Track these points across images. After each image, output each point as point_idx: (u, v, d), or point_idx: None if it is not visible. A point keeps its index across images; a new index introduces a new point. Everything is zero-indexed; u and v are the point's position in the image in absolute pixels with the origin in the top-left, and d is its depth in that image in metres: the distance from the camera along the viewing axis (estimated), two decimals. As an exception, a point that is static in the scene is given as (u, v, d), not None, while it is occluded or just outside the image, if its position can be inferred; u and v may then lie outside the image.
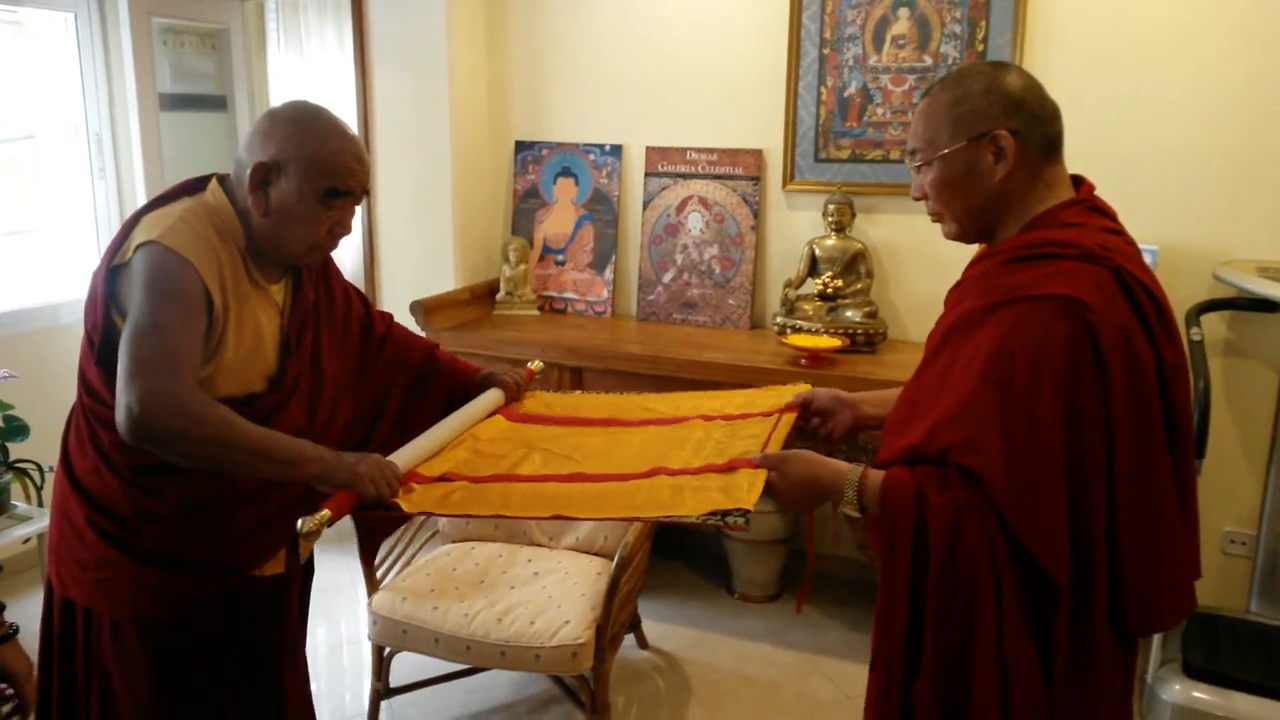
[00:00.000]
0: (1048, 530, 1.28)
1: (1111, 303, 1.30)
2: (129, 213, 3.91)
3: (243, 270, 1.63)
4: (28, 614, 3.10)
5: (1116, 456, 1.29)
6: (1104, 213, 1.44)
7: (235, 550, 1.68)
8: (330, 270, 1.86)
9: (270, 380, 1.66)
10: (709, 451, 1.64)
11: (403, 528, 2.79)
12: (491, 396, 1.93)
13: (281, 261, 1.69)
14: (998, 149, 1.39)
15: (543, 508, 1.50)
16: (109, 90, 3.87)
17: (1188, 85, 2.96)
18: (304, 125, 1.61)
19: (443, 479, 1.60)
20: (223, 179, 1.66)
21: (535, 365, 2.16)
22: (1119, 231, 1.42)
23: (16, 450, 3.02)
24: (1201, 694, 2.51)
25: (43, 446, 3.16)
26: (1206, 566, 3.17)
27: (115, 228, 3.92)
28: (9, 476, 2.98)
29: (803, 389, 1.87)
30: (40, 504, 3.06)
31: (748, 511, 1.38)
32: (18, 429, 3.00)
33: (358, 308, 1.91)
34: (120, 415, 1.42)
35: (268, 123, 1.62)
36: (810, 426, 1.81)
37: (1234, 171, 2.95)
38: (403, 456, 1.62)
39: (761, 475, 1.47)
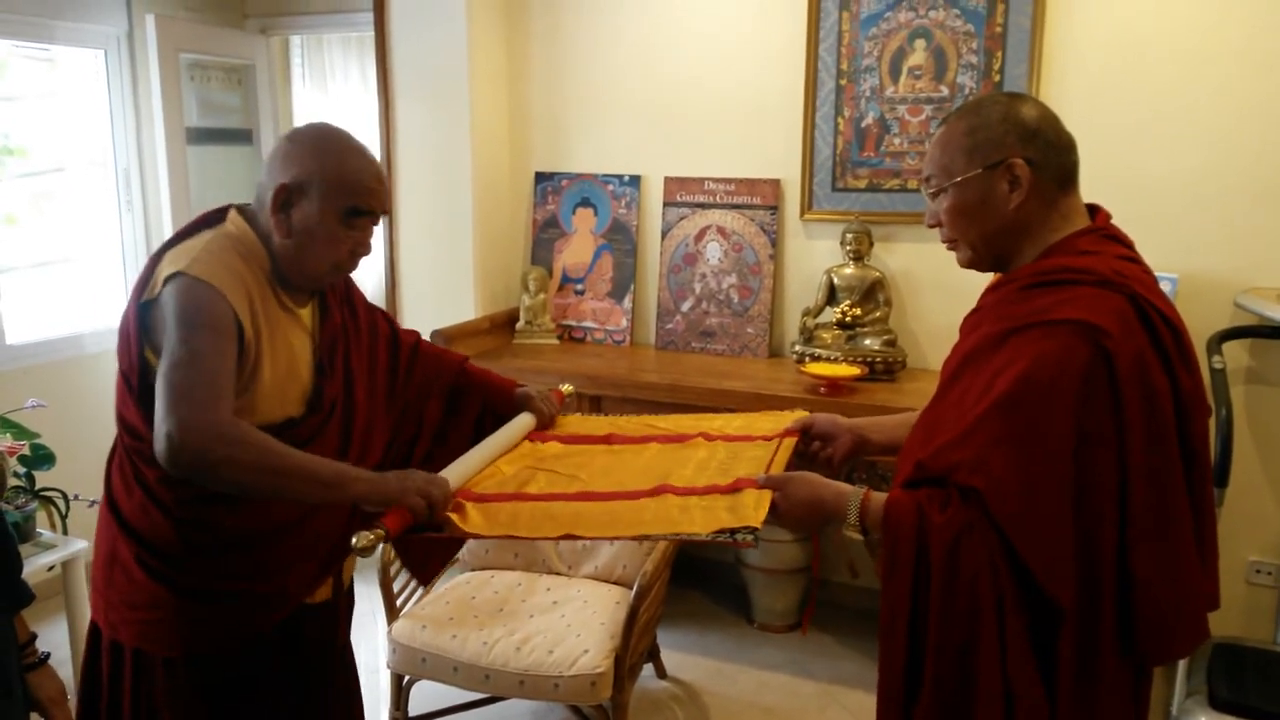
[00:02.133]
0: (1052, 552, 1.28)
1: (1128, 329, 1.30)
2: (155, 244, 3.97)
3: (271, 295, 1.64)
4: (53, 641, 3.14)
5: (1130, 483, 1.29)
6: (1120, 241, 1.44)
7: (284, 579, 1.67)
8: (353, 292, 1.87)
9: (308, 403, 1.67)
10: (713, 471, 1.66)
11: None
12: (525, 421, 1.93)
13: (304, 284, 1.69)
14: (1013, 177, 1.40)
15: (552, 528, 1.51)
16: (137, 124, 3.95)
17: (1206, 113, 2.96)
18: (324, 146, 1.62)
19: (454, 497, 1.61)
20: (241, 208, 1.67)
21: (566, 389, 2.16)
22: (1136, 260, 1.42)
23: (43, 479, 3.05)
24: (1228, 727, 2.47)
25: (69, 475, 3.20)
26: (1231, 597, 3.15)
27: (142, 259, 3.98)
28: (35, 504, 3.01)
29: (801, 414, 1.88)
30: (65, 532, 3.09)
31: (755, 529, 1.39)
32: (44, 457, 3.04)
33: (383, 327, 1.92)
34: (160, 445, 1.41)
35: (288, 145, 1.63)
36: (811, 451, 1.82)
37: (1254, 199, 2.95)
38: (449, 476, 1.61)
39: (767, 495, 1.48)
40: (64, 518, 3.09)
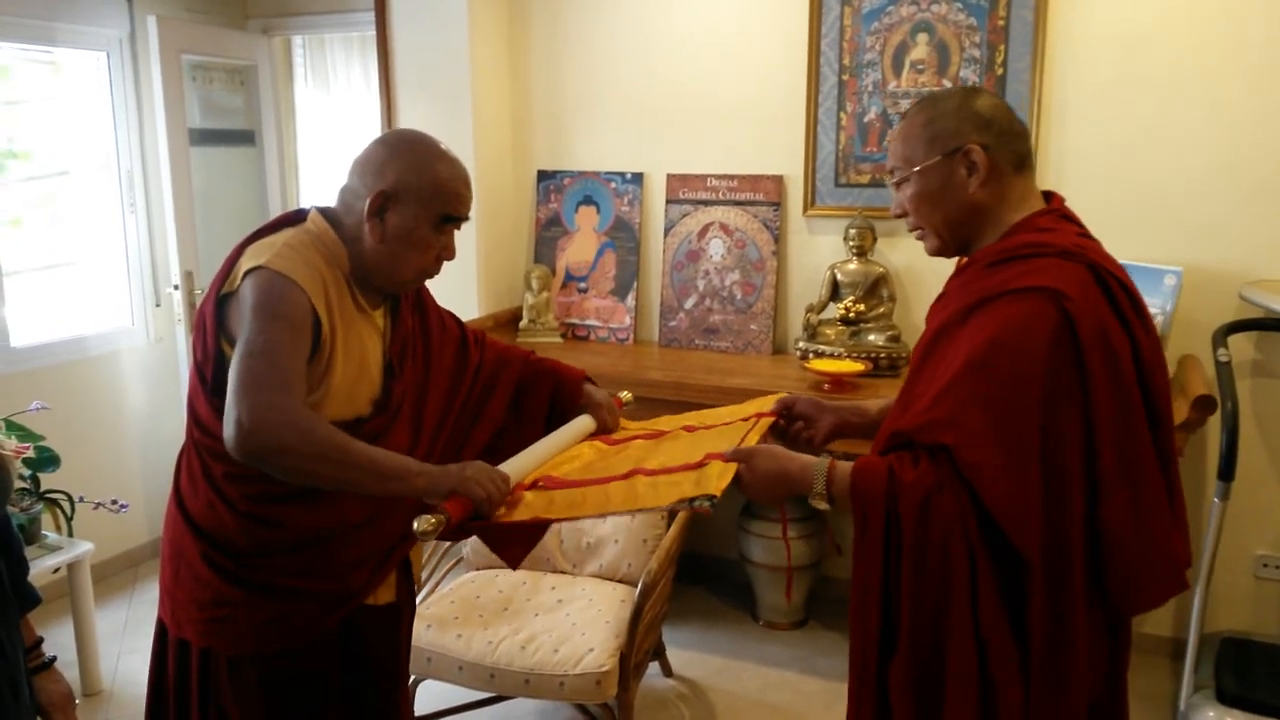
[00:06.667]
0: (1019, 505, 1.32)
1: (1088, 294, 1.36)
2: (159, 246, 4.00)
3: (348, 294, 1.66)
4: (58, 644, 3.15)
5: (1098, 439, 1.34)
6: (1075, 222, 1.52)
7: (350, 578, 1.68)
8: (424, 296, 1.89)
9: (375, 403, 1.68)
10: (689, 453, 1.66)
11: (429, 553, 2.80)
12: (584, 424, 1.92)
13: (389, 287, 1.71)
14: (970, 163, 1.48)
15: (522, 513, 1.53)
16: (140, 126, 3.95)
17: (1211, 105, 2.95)
18: (419, 153, 1.64)
19: None
20: (322, 209, 1.70)
21: (626, 396, 2.14)
22: (1089, 237, 1.50)
23: (47, 481, 3.06)
24: (1236, 721, 2.46)
25: (73, 477, 3.20)
26: (1238, 591, 3.14)
27: (146, 261, 3.99)
28: (40, 507, 3.01)
29: (783, 395, 1.90)
30: (70, 534, 3.10)
31: (714, 496, 1.41)
32: (48, 460, 3.04)
33: (453, 330, 1.94)
34: (229, 430, 1.42)
35: (382, 151, 1.65)
36: (793, 431, 1.85)
37: (1260, 192, 2.93)
38: (509, 469, 1.61)
39: (732, 467, 1.51)
40: (69, 520, 3.10)
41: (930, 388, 1.42)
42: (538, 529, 2.03)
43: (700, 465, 1.55)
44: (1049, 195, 1.56)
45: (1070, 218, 1.52)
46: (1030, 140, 1.54)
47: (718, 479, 1.47)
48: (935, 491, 1.34)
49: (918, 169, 1.51)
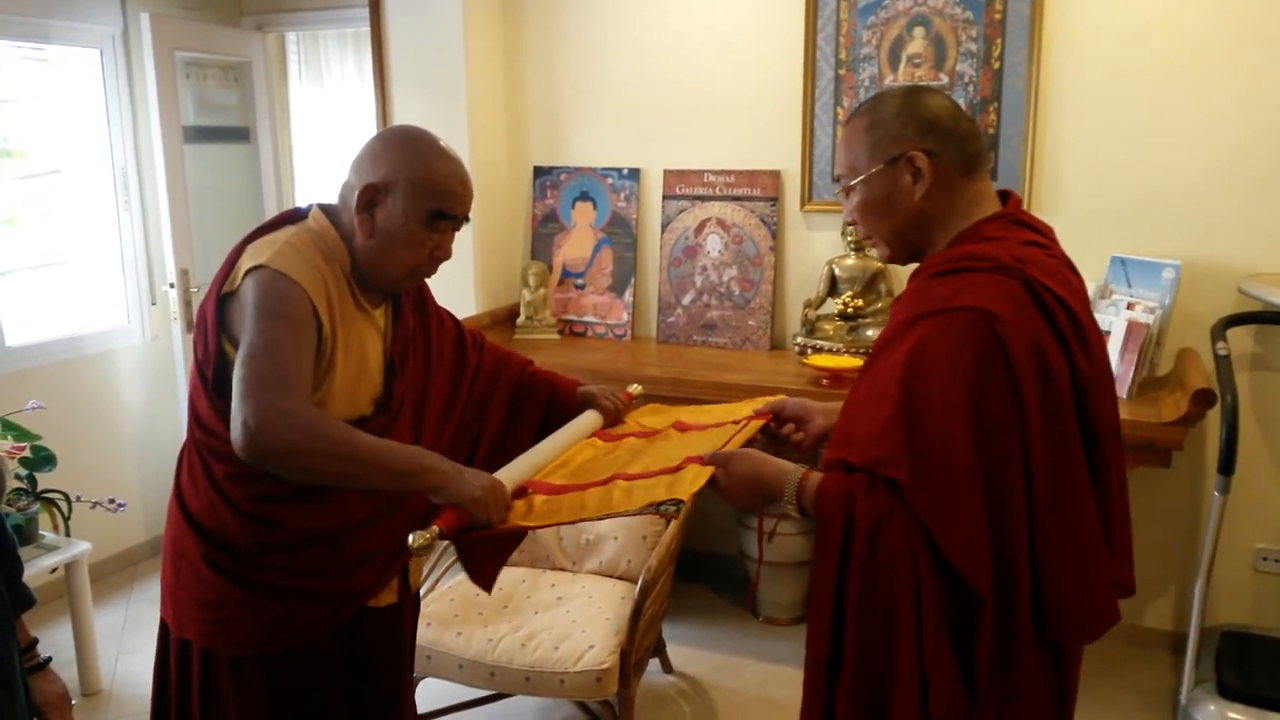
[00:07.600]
0: (967, 540, 1.27)
1: (1021, 312, 1.30)
2: (154, 244, 3.98)
3: (348, 293, 1.65)
4: (56, 644, 3.14)
5: (1033, 465, 1.28)
6: (1030, 226, 1.45)
7: (352, 579, 1.67)
8: (425, 295, 1.88)
9: (377, 403, 1.68)
10: (673, 456, 1.66)
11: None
12: (590, 419, 1.91)
13: (382, 285, 1.70)
14: (914, 169, 1.42)
15: (508, 520, 1.52)
16: (134, 124, 3.93)
17: (1209, 98, 2.94)
18: (412, 148, 1.63)
19: None
20: (324, 207, 1.69)
21: (635, 389, 2.13)
22: (1043, 245, 1.43)
23: (44, 480, 3.05)
24: (1236, 715, 2.47)
25: (70, 477, 3.19)
26: (1238, 584, 3.14)
27: (141, 259, 3.97)
28: (37, 507, 3.00)
29: (775, 398, 1.89)
30: (67, 534, 3.09)
31: (680, 501, 1.41)
32: (45, 459, 3.03)
33: (450, 329, 1.93)
34: (236, 432, 1.41)
35: (377, 145, 1.65)
36: (784, 433, 1.83)
37: (1259, 185, 2.93)
38: (506, 476, 1.61)
39: (706, 471, 1.50)
40: (66, 520, 3.09)
41: (870, 406, 1.39)
42: (515, 539, 2.03)
43: (678, 469, 1.55)
44: (1006, 196, 1.49)
45: (1024, 222, 1.45)
46: (979, 140, 1.47)
47: (690, 484, 1.47)
48: (885, 520, 1.31)
49: (862, 178, 1.45)
